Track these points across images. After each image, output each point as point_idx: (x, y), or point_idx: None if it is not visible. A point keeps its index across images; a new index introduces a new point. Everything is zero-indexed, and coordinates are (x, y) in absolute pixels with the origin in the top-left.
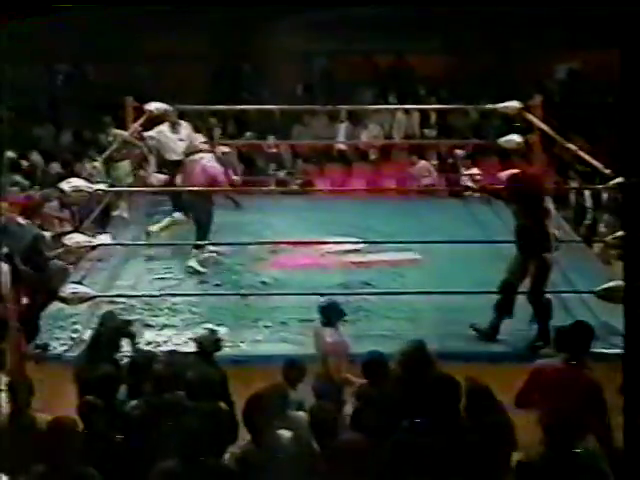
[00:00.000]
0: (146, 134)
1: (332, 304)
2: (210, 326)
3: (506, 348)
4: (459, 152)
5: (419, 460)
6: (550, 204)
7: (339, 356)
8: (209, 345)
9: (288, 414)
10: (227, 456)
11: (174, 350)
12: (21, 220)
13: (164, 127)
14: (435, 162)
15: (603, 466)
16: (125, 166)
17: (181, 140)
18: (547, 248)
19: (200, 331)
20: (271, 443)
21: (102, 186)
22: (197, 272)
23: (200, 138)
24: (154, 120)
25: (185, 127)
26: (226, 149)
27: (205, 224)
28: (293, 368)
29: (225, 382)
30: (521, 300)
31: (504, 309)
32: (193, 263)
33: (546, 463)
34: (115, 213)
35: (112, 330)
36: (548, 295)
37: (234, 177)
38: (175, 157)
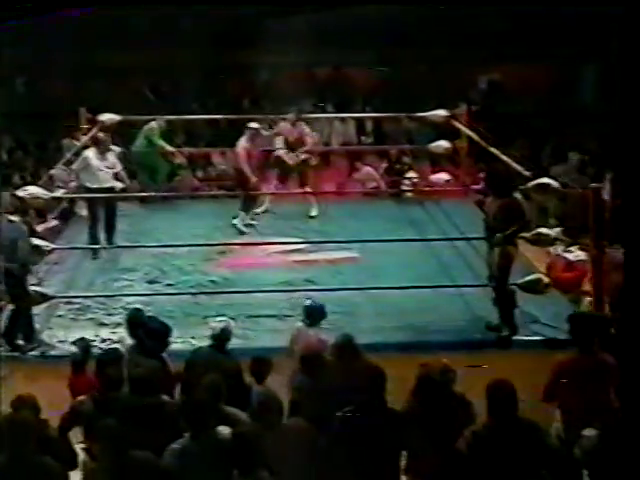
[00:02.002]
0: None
1: (317, 305)
2: (222, 318)
3: (440, 338)
4: (406, 159)
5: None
6: (518, 194)
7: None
8: (222, 336)
9: (222, 408)
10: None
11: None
12: (13, 217)
13: (90, 153)
14: (384, 165)
15: (544, 436)
16: None
17: (107, 167)
18: (511, 239)
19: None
20: (206, 438)
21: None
22: (242, 232)
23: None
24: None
25: (112, 154)
26: (254, 124)
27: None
28: (259, 363)
29: (239, 372)
30: (451, 291)
31: (504, 300)
32: (237, 222)
33: (490, 431)
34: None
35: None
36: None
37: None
38: (97, 185)
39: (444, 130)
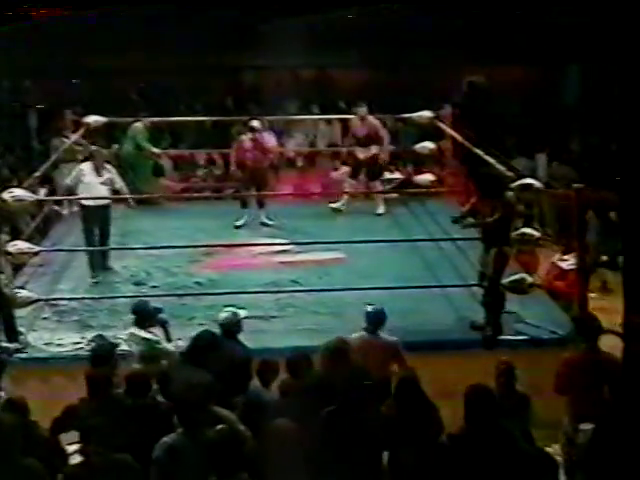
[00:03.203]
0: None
1: (379, 310)
2: (232, 309)
3: (425, 338)
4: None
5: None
6: (512, 198)
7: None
8: (233, 326)
9: (213, 409)
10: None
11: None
12: None
13: (86, 167)
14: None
15: (518, 442)
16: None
17: (102, 184)
18: (506, 240)
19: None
20: (196, 436)
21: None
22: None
23: None
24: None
25: (109, 170)
26: (256, 123)
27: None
28: (267, 367)
29: (249, 363)
30: (437, 292)
31: (494, 300)
32: (264, 219)
33: (466, 436)
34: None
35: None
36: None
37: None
38: (92, 202)
39: (429, 131)
